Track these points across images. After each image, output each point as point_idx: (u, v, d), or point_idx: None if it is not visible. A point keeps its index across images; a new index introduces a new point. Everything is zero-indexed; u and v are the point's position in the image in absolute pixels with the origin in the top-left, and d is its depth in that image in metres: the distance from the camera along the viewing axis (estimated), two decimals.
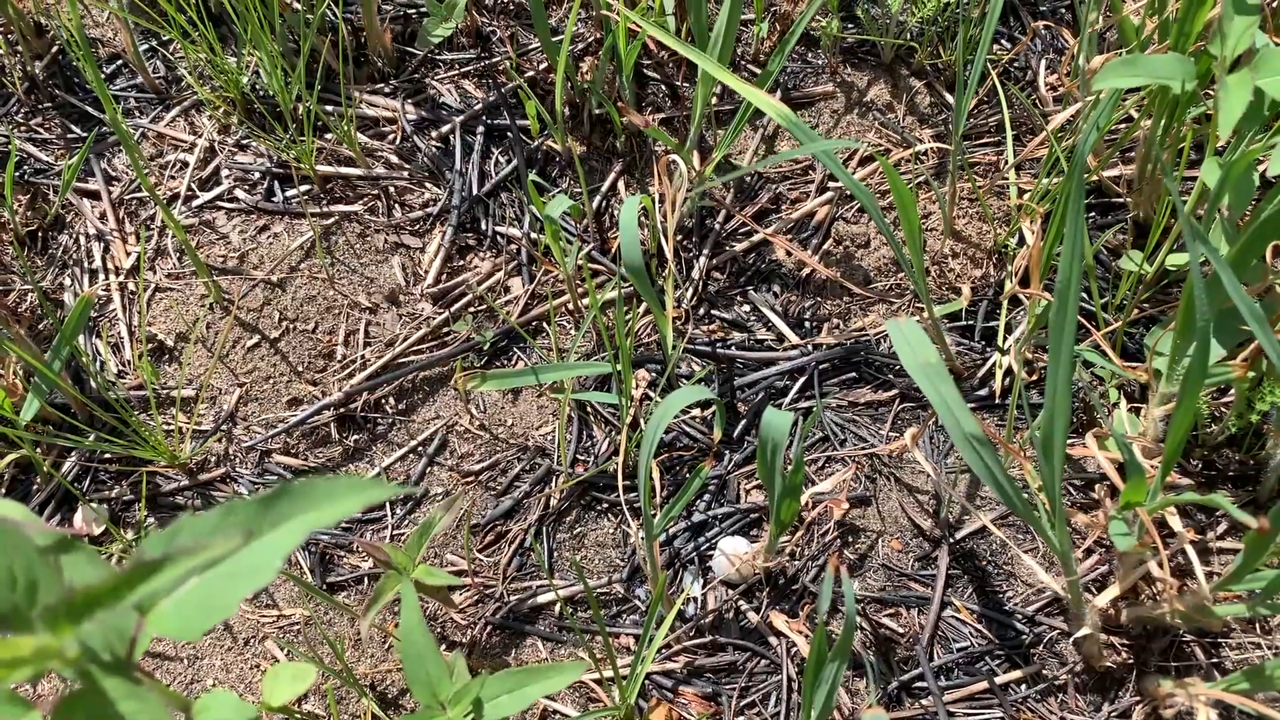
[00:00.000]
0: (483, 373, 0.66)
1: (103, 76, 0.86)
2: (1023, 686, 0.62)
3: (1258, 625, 0.60)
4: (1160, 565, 0.54)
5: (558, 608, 0.66)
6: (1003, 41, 0.85)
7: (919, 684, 0.63)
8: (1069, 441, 0.67)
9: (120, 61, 0.86)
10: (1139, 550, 0.53)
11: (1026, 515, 0.53)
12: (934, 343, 0.70)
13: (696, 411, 0.73)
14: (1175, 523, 0.58)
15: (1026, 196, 0.69)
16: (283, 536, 0.33)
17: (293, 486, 0.33)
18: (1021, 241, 0.72)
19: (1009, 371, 0.71)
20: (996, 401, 0.71)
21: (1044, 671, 0.62)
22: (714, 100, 0.80)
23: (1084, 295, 0.69)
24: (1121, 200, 0.75)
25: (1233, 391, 0.63)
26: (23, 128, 0.84)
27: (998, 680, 0.62)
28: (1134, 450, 0.49)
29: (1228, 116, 0.50)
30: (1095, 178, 0.73)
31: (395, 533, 0.69)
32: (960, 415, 0.50)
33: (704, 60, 0.61)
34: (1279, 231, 0.53)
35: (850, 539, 0.68)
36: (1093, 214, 0.77)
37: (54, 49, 0.87)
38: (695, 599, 0.67)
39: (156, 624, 0.32)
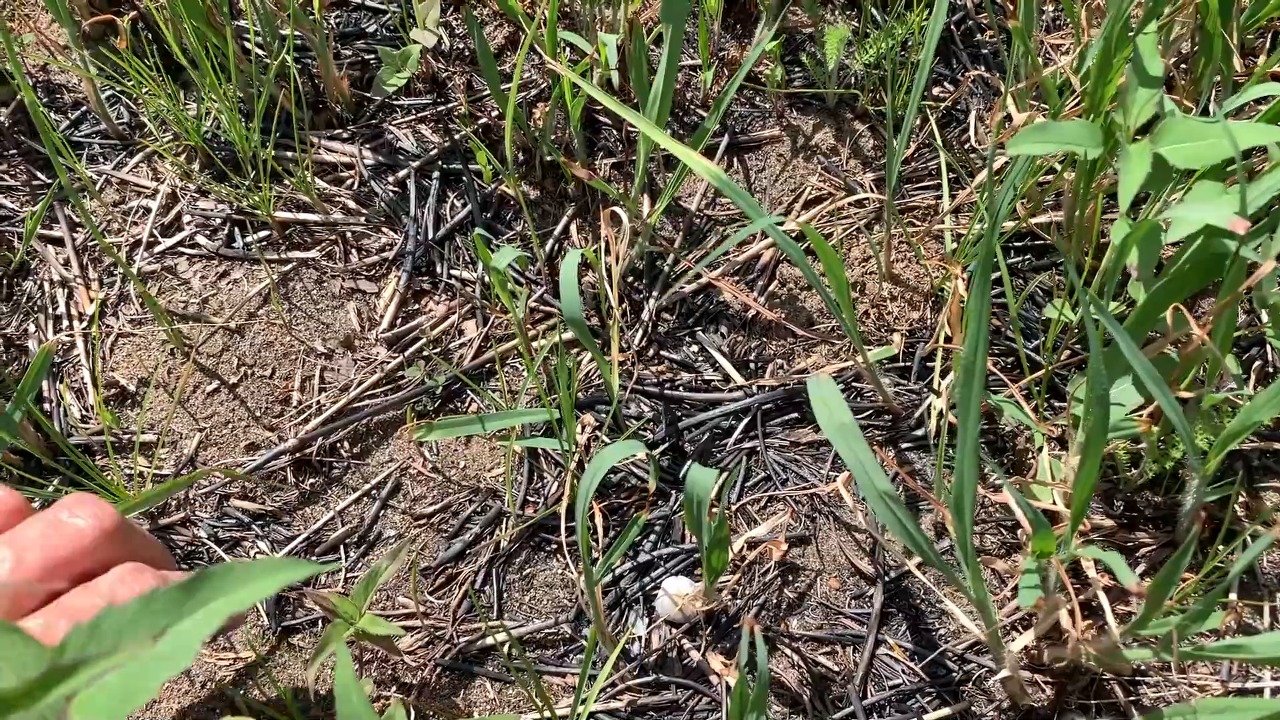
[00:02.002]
0: (429, 424, 0.68)
1: (67, 123, 0.88)
2: None
3: (1172, 665, 0.63)
4: (1071, 614, 0.56)
5: (506, 648, 0.68)
6: (945, 84, 0.87)
7: None
8: (998, 484, 0.69)
9: (84, 108, 0.88)
10: (1038, 607, 0.55)
11: (942, 568, 0.55)
12: (871, 386, 0.73)
13: (643, 454, 0.75)
14: (1090, 569, 0.60)
15: (955, 247, 0.72)
16: (200, 623, 0.35)
17: (212, 572, 0.35)
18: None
19: (944, 411, 0.73)
20: (931, 441, 0.73)
21: (972, 709, 0.65)
22: (658, 148, 0.83)
23: (1010, 340, 0.71)
24: (1053, 243, 0.77)
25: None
26: None
27: (926, 718, 0.65)
28: (1034, 508, 0.52)
29: (1127, 186, 0.53)
30: (1025, 225, 0.75)
31: (350, 576, 0.71)
32: (873, 474, 0.53)
33: (640, 121, 0.64)
34: (1180, 294, 0.55)
35: (790, 577, 0.70)
36: (1028, 256, 0.79)
37: (18, 96, 0.89)
38: (640, 638, 0.69)
39: (80, 710, 0.34)
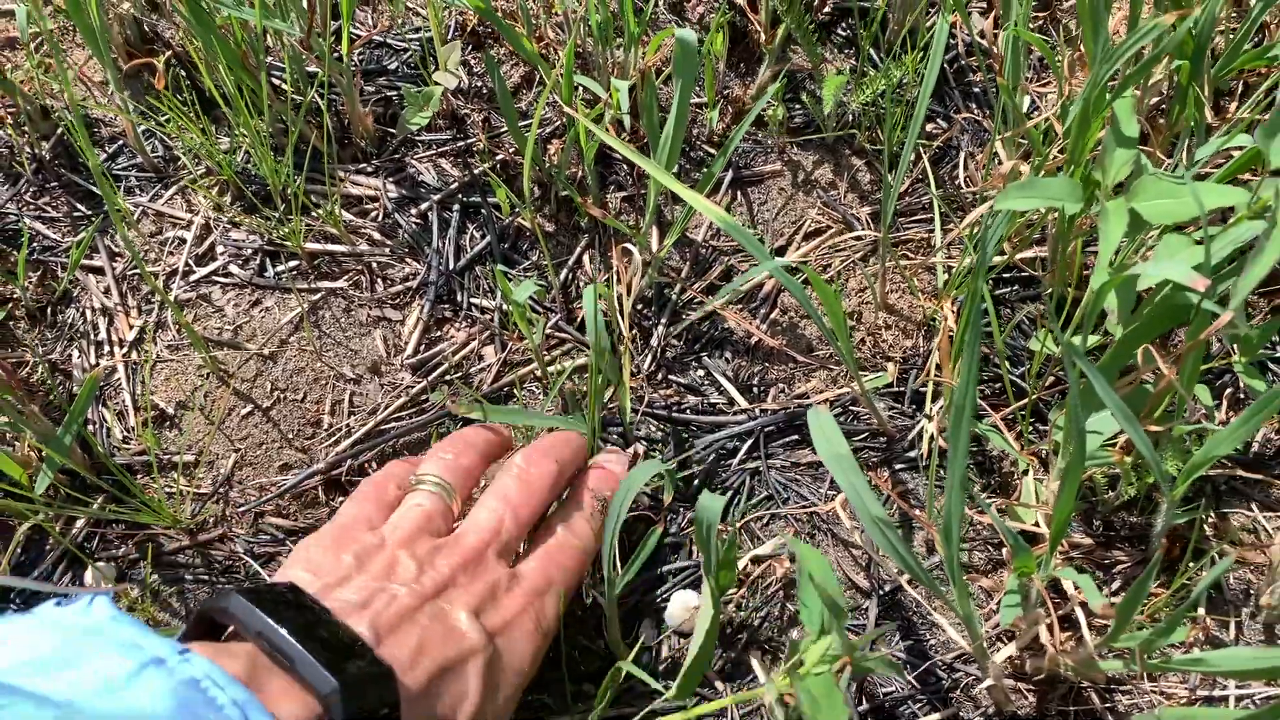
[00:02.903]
0: (478, 402, 0.73)
1: (105, 156, 0.92)
2: None
3: (1146, 675, 0.68)
4: (1050, 628, 0.61)
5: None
6: (938, 121, 0.92)
7: None
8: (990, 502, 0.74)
9: (121, 142, 0.93)
10: (1016, 625, 0.60)
11: (931, 587, 0.60)
12: (865, 410, 0.77)
13: (663, 469, 0.80)
14: (1069, 586, 0.65)
15: (945, 280, 0.77)
16: None
17: None
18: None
19: (934, 435, 0.78)
20: (922, 463, 0.78)
21: (960, 714, 0.70)
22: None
23: (998, 367, 0.76)
24: (1039, 277, 0.82)
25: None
26: (31, 206, 0.91)
27: None
28: (1014, 533, 0.57)
29: (1107, 243, 0.57)
30: (1012, 260, 0.80)
31: None
32: (868, 500, 0.57)
33: (651, 167, 0.68)
34: (1150, 335, 0.60)
35: (792, 591, 0.75)
36: (1015, 286, 0.84)
37: (59, 130, 0.93)
38: (650, 648, 0.74)
39: None
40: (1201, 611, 0.68)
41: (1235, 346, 0.70)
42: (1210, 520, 0.71)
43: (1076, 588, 0.63)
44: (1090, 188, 0.61)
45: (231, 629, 0.54)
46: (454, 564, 0.62)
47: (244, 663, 0.49)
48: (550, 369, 0.83)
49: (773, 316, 0.85)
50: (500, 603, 0.61)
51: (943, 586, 0.63)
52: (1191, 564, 0.68)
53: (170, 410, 0.82)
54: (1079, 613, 0.63)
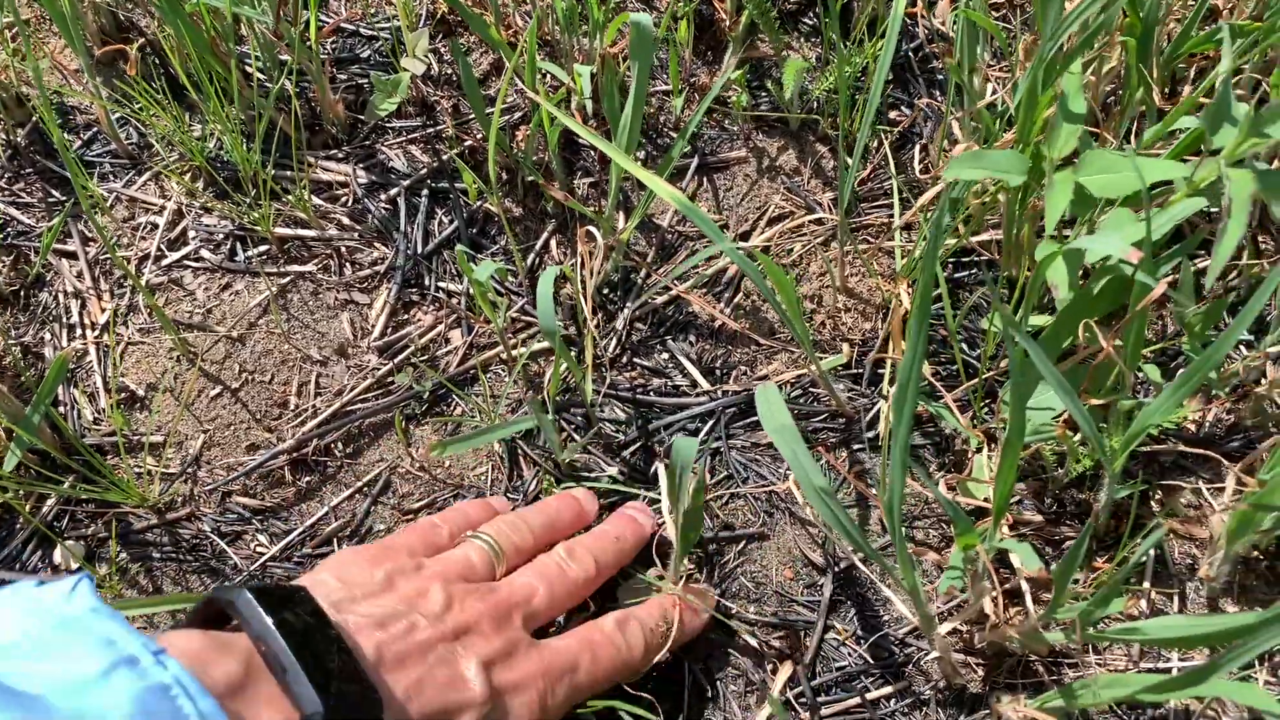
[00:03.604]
0: (443, 442, 0.73)
1: (80, 143, 0.93)
2: (892, 701, 0.71)
3: (1091, 647, 0.69)
4: (995, 602, 0.62)
5: None
6: (902, 109, 0.93)
7: (801, 699, 0.71)
8: (939, 478, 0.75)
9: (96, 129, 0.94)
10: (950, 594, 0.61)
11: (877, 559, 0.61)
12: (825, 391, 0.78)
13: (612, 458, 0.81)
14: (1015, 560, 0.66)
15: (902, 264, 0.78)
16: None
17: None
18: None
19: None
20: (883, 443, 0.79)
21: (911, 688, 0.71)
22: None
23: (954, 349, 0.77)
24: (994, 259, 0.83)
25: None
26: (6, 192, 0.92)
27: (869, 696, 0.71)
28: (955, 505, 0.58)
29: (1052, 212, 0.59)
30: (966, 242, 0.81)
31: None
32: (811, 472, 0.58)
33: (610, 149, 0.69)
34: (1094, 311, 0.61)
35: (748, 568, 0.76)
36: (974, 270, 0.85)
37: (34, 118, 0.94)
38: None
39: None
40: (1146, 585, 0.70)
41: (1186, 327, 0.71)
42: (1158, 497, 0.72)
43: (1044, 546, 0.64)
44: (1038, 162, 0.62)
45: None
46: (483, 610, 0.60)
47: (239, 660, 0.48)
48: (515, 352, 0.84)
49: (736, 300, 0.87)
50: (514, 663, 0.59)
51: (888, 561, 0.64)
52: (1133, 539, 0.69)
53: (140, 392, 0.83)
54: (1024, 585, 0.64)
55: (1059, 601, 0.58)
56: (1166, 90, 0.82)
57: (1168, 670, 0.67)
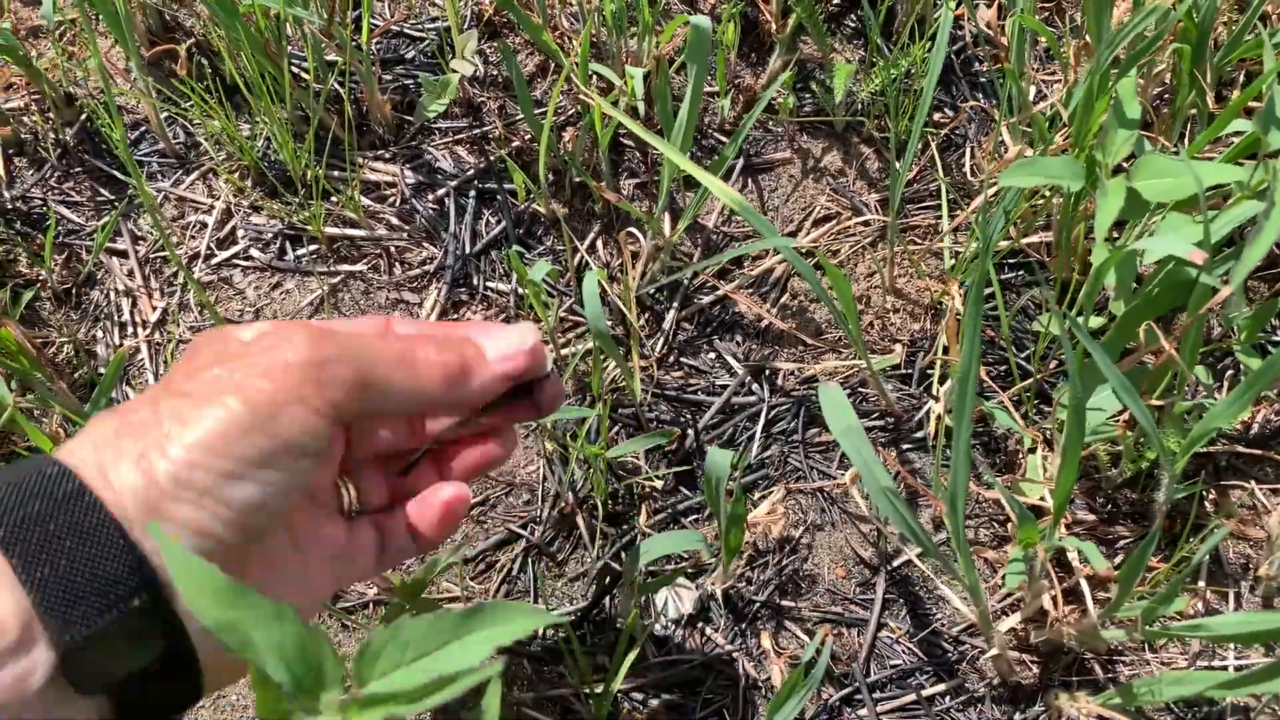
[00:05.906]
0: None
1: (128, 142, 0.94)
2: (947, 698, 0.71)
3: (1146, 645, 0.69)
4: (1054, 598, 0.63)
5: (545, 631, 0.75)
6: (945, 110, 0.94)
7: (856, 696, 0.72)
8: (990, 483, 0.76)
9: (144, 128, 0.95)
10: (1022, 590, 0.62)
11: (938, 557, 0.62)
12: (873, 391, 0.79)
13: (659, 457, 0.82)
14: (1074, 559, 0.67)
15: (953, 264, 0.78)
16: (476, 646, 0.38)
17: (486, 607, 0.39)
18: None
19: (941, 415, 0.79)
20: (930, 443, 0.80)
21: (965, 685, 0.71)
22: (681, 171, 0.89)
23: (1003, 350, 0.78)
24: (1044, 261, 0.84)
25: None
26: (56, 191, 0.92)
27: (924, 693, 0.71)
28: (1020, 503, 0.58)
29: (1104, 217, 0.59)
30: (1017, 244, 0.82)
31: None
32: (876, 472, 0.59)
33: (666, 148, 0.70)
34: (1153, 312, 0.62)
35: (800, 566, 0.77)
36: (1021, 271, 0.86)
37: (83, 117, 0.95)
38: (667, 624, 0.76)
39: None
40: (1202, 584, 0.70)
41: (1235, 329, 0.72)
42: (1211, 497, 0.73)
43: (1081, 560, 0.65)
44: (1092, 168, 0.63)
45: None
46: None
47: None
48: (564, 351, 0.84)
49: (782, 301, 0.87)
50: None
51: (949, 559, 0.65)
52: (1192, 539, 0.69)
53: None
54: (1083, 585, 0.64)
55: (1121, 599, 0.59)
56: (1214, 94, 0.82)
57: (1224, 668, 0.68)
